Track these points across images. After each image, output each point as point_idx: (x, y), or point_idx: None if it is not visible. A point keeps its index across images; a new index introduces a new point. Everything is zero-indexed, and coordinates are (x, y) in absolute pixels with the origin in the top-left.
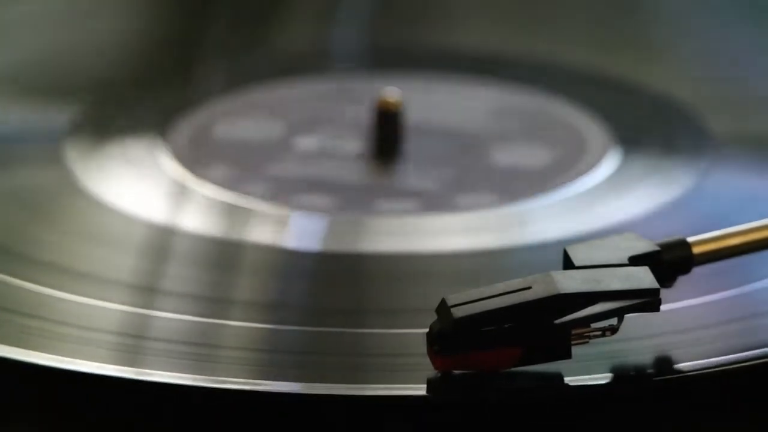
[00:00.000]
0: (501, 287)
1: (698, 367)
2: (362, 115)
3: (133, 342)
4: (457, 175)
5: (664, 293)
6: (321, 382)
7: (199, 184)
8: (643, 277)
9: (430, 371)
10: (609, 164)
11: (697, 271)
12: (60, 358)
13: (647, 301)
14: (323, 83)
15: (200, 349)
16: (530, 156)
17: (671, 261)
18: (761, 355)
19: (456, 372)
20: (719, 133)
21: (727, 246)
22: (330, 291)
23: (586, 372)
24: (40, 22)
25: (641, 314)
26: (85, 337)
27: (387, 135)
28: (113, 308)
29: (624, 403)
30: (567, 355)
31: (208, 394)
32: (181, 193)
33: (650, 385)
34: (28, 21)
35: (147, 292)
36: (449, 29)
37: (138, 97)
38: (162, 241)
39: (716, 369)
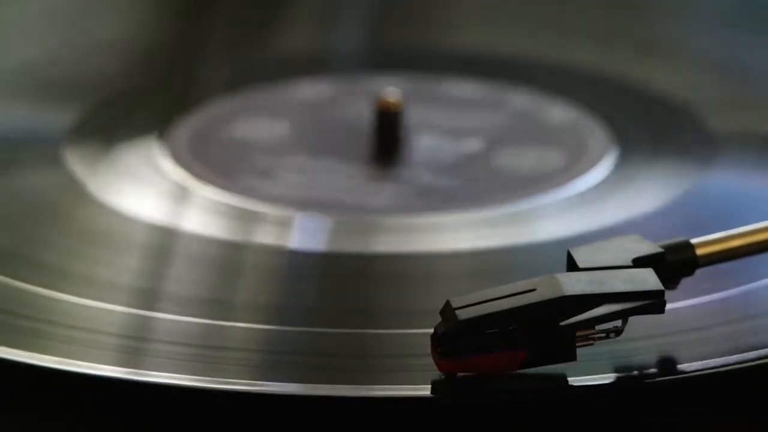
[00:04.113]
0: (505, 289)
1: (699, 367)
2: (362, 115)
3: (137, 344)
4: (457, 175)
5: (665, 293)
6: (325, 383)
7: (200, 186)
8: (648, 279)
9: (435, 373)
10: (609, 164)
11: (698, 270)
12: (62, 360)
13: (652, 302)
14: (323, 83)
15: (203, 350)
16: (530, 156)
17: (675, 263)
18: (761, 356)
19: (460, 374)
20: (719, 133)
21: (730, 247)
22: (333, 292)
23: (588, 372)
24: (41, 23)
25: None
26: (88, 339)
27: (387, 135)
28: (116, 310)
29: (626, 403)
30: (572, 357)
31: (213, 395)
32: (181, 194)
33: (652, 385)
34: (28, 22)
35: (150, 294)
36: (449, 29)
37: (139, 98)
38: (164, 242)
39: (717, 369)
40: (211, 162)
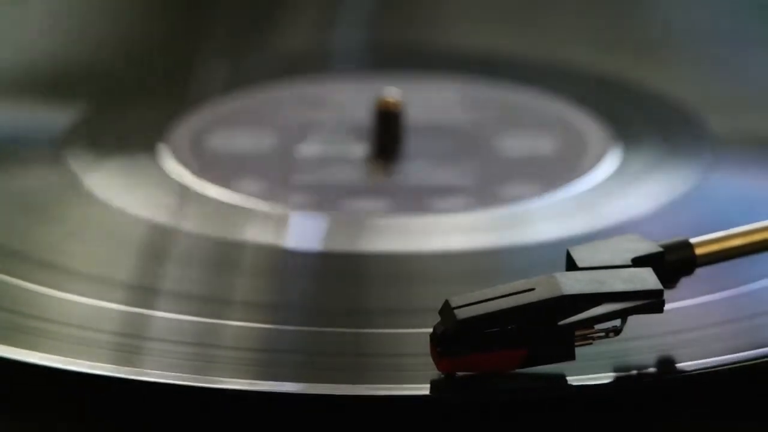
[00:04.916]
0: (504, 289)
1: (699, 366)
2: (362, 115)
3: (133, 342)
4: (456, 174)
5: (664, 293)
6: (321, 382)
7: (199, 185)
8: (647, 278)
9: (433, 372)
10: (609, 164)
11: (697, 270)
12: (59, 358)
13: (651, 302)
14: (323, 83)
15: (200, 349)
16: (530, 155)
17: (674, 262)
18: (761, 355)
19: (459, 373)
20: (719, 133)
21: (730, 247)
22: (330, 291)
23: (587, 372)
24: (41, 23)
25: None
26: (86, 338)
27: (387, 135)
28: (113, 308)
29: (626, 402)
30: (571, 356)
31: (208, 394)
32: (180, 193)
33: (651, 385)
34: (29, 22)
35: (147, 292)
36: (449, 29)
37: (138, 97)
38: (162, 241)
39: (717, 369)
40: (210, 161)
